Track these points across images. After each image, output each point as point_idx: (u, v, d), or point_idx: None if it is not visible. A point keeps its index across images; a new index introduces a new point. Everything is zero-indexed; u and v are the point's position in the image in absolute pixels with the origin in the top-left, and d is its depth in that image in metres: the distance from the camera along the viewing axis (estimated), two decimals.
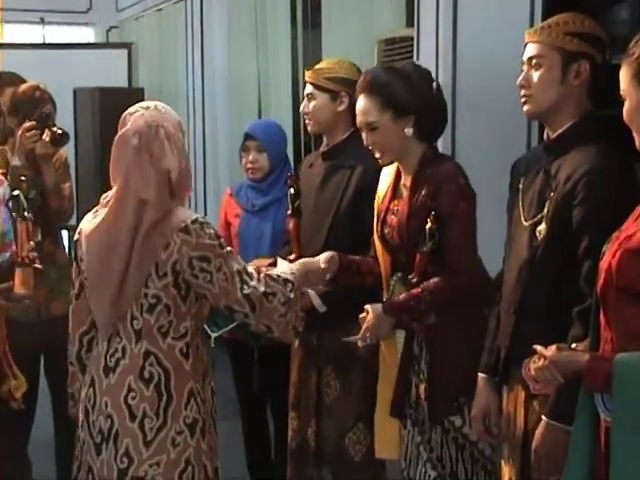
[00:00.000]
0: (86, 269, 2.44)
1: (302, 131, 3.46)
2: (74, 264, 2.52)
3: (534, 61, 2.32)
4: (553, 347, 1.94)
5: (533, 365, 1.97)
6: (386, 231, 2.78)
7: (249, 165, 3.58)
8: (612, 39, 2.04)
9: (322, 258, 2.81)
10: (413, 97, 2.66)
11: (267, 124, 3.19)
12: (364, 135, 2.76)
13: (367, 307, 2.73)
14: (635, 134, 1.92)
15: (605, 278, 1.89)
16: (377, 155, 2.74)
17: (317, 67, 3.24)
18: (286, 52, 5.99)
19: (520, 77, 2.35)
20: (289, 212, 3.15)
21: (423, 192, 2.65)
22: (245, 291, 2.34)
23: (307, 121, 3.27)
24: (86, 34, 8.93)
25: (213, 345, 3.39)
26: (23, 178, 3.11)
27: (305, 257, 3.02)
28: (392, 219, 2.76)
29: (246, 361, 3.51)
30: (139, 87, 7.48)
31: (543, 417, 2.18)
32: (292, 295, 2.42)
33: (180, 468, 2.36)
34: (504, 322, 2.42)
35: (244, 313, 2.36)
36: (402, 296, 2.67)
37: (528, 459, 2.25)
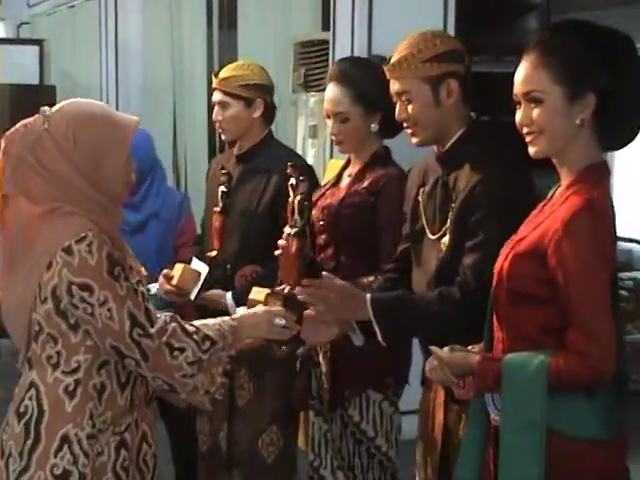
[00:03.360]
0: None
1: (218, 134, 3.40)
2: None
3: (404, 97, 2.31)
4: (447, 348, 1.98)
5: (428, 365, 2.01)
6: (313, 212, 2.71)
7: None
8: (522, 48, 2.05)
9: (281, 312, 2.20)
10: (383, 94, 2.61)
11: None
12: (329, 123, 2.74)
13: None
14: (545, 141, 1.88)
15: (497, 280, 1.93)
16: (338, 143, 2.75)
17: (228, 75, 3.09)
18: (202, 53, 5.97)
19: (396, 113, 2.34)
20: (218, 209, 3.07)
21: (365, 184, 2.67)
22: (134, 336, 1.93)
23: (220, 129, 3.17)
24: None
25: None
26: None
27: (223, 257, 3.01)
28: (324, 201, 2.75)
29: None
30: (51, 84, 7.37)
31: None
32: (206, 356, 2.00)
33: None
34: None
35: (135, 359, 1.95)
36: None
37: (446, 457, 2.28)
